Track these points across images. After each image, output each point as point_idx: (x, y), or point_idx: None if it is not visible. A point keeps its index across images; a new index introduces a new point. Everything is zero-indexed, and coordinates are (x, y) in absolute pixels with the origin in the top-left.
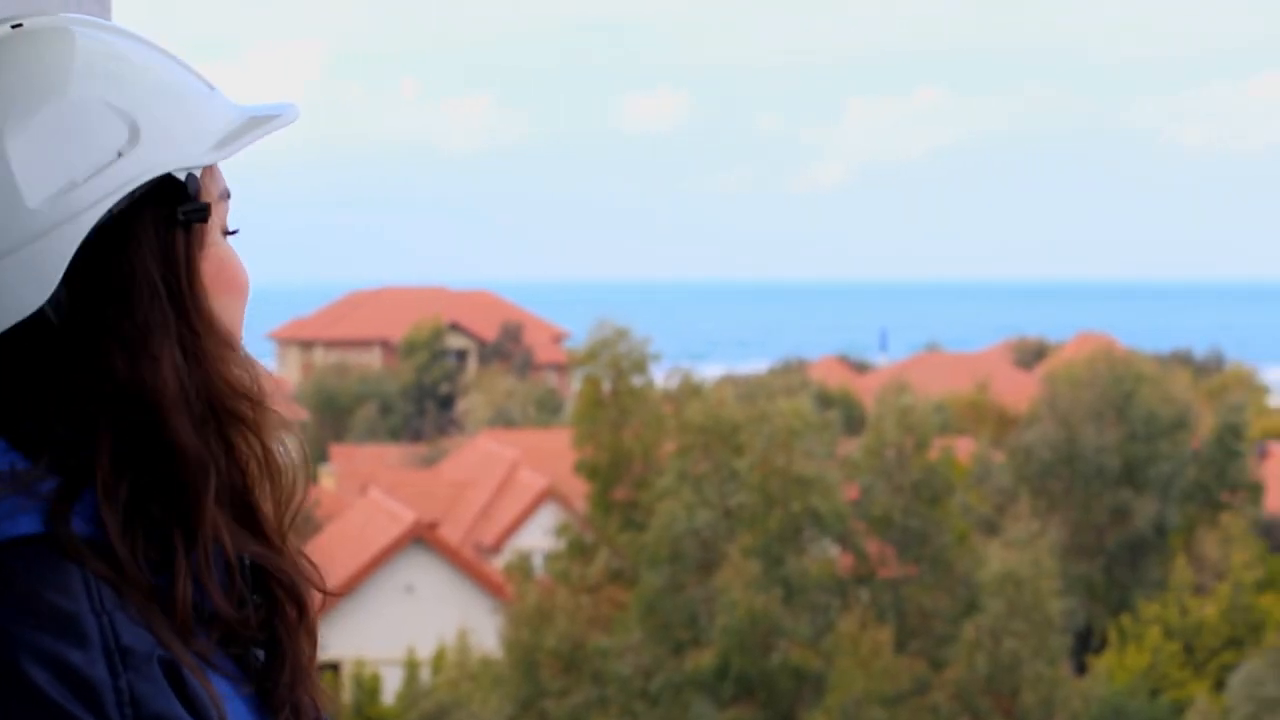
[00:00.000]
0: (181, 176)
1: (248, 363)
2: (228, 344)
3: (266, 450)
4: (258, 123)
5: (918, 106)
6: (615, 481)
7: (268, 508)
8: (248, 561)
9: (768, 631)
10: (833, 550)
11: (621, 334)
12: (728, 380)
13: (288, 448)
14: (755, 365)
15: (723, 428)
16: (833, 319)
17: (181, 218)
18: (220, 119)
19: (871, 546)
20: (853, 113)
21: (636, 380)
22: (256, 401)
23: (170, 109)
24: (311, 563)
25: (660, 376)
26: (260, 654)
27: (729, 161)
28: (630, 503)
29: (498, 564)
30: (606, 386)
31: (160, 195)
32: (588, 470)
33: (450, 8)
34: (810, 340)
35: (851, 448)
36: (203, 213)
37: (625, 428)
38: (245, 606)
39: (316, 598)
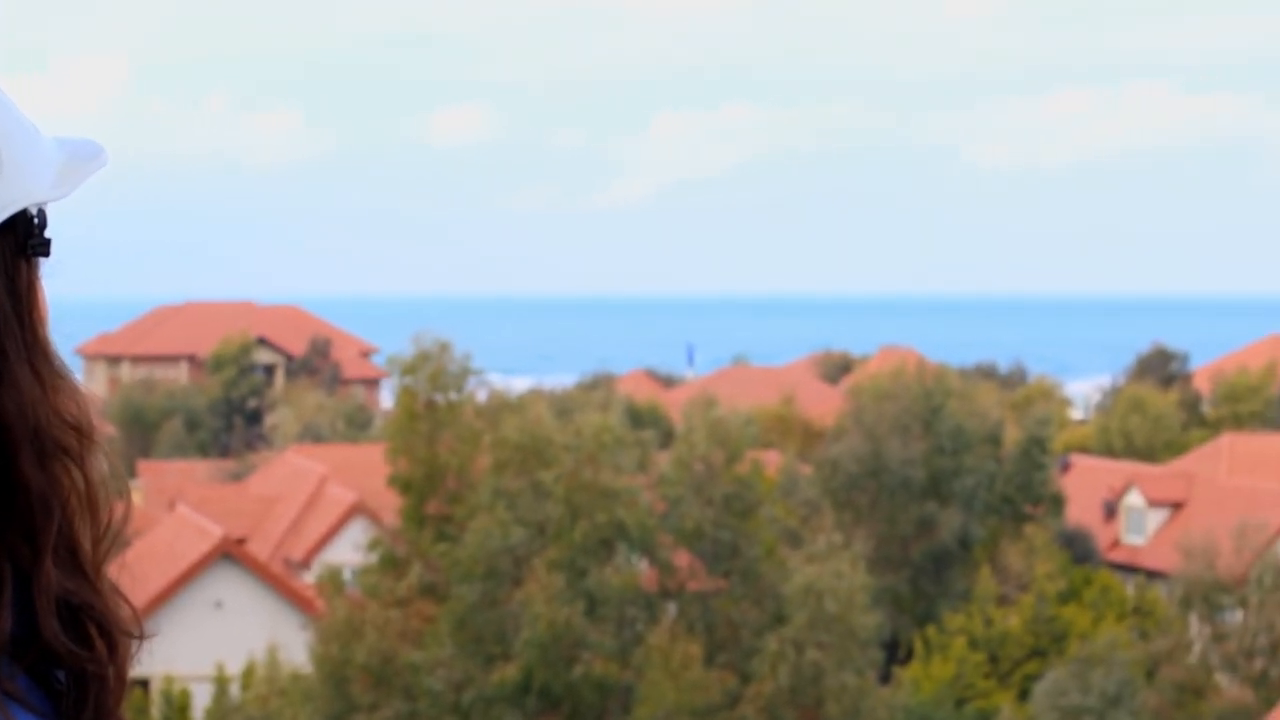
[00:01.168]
0: (33, 210)
1: (76, 392)
2: (61, 373)
3: (89, 484)
4: (82, 161)
5: (723, 122)
6: (429, 495)
7: (86, 543)
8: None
9: (571, 644)
10: (641, 564)
11: (443, 347)
12: (537, 394)
13: (105, 478)
14: (562, 379)
15: (536, 442)
16: (640, 333)
17: (29, 250)
18: (52, 156)
19: (681, 560)
20: (658, 128)
21: (453, 394)
22: (85, 433)
23: (23, 144)
24: (129, 604)
25: (472, 390)
26: (67, 688)
27: (535, 176)
28: (444, 516)
29: (307, 579)
30: (423, 400)
31: (8, 227)
32: (401, 484)
33: (257, 22)
34: (618, 354)
35: (661, 461)
36: (47, 247)
37: (440, 442)
38: (60, 642)
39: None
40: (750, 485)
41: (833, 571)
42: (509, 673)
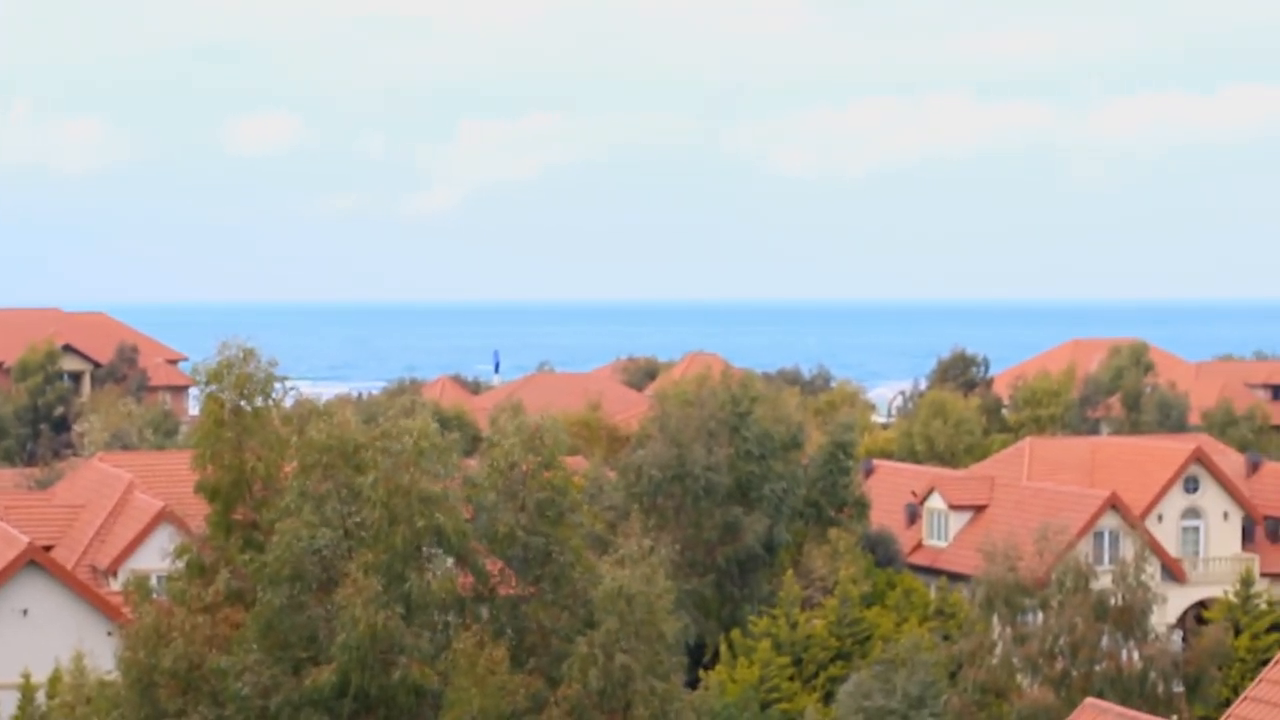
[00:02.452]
0: None
1: None
2: None
3: None
4: None
5: (528, 130)
6: (236, 502)
7: None
8: None
9: (388, 648)
10: (454, 569)
11: (249, 354)
12: (344, 400)
13: None
14: (369, 386)
15: (345, 447)
16: (446, 340)
17: None
18: None
19: (492, 565)
20: (464, 136)
21: (259, 401)
22: None
23: None
24: None
25: (279, 397)
26: None
27: (342, 184)
28: (250, 523)
29: (114, 586)
30: (229, 407)
31: None
32: (207, 491)
33: (62, 31)
34: (424, 361)
35: (468, 467)
36: None
37: (246, 448)
38: None
39: None
40: (561, 491)
41: (640, 576)
42: (322, 677)
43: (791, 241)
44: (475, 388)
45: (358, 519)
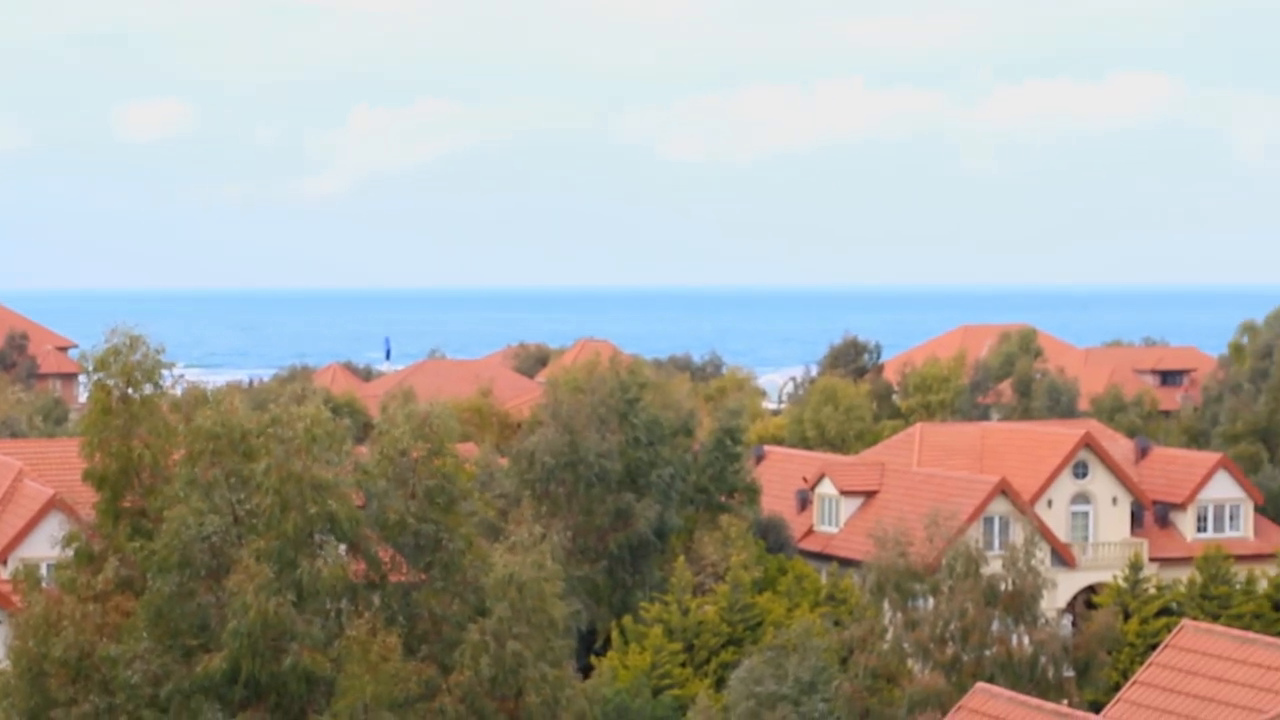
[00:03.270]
0: None
1: None
2: None
3: None
4: None
5: (418, 118)
6: (124, 489)
7: None
8: None
9: (279, 635)
10: (346, 556)
11: (136, 342)
12: (234, 387)
13: None
14: (260, 373)
15: (234, 434)
16: (337, 327)
17: None
18: None
19: (384, 552)
20: (355, 123)
21: (147, 388)
22: None
23: None
24: None
25: (168, 385)
26: None
27: (234, 171)
28: (139, 510)
29: (3, 575)
30: (117, 394)
31: None
32: (96, 479)
33: None
34: (315, 348)
35: (361, 454)
36: None
37: (134, 436)
38: None
39: None
40: (451, 478)
41: (532, 563)
42: (213, 664)
43: (682, 228)
44: (366, 375)
45: (247, 506)
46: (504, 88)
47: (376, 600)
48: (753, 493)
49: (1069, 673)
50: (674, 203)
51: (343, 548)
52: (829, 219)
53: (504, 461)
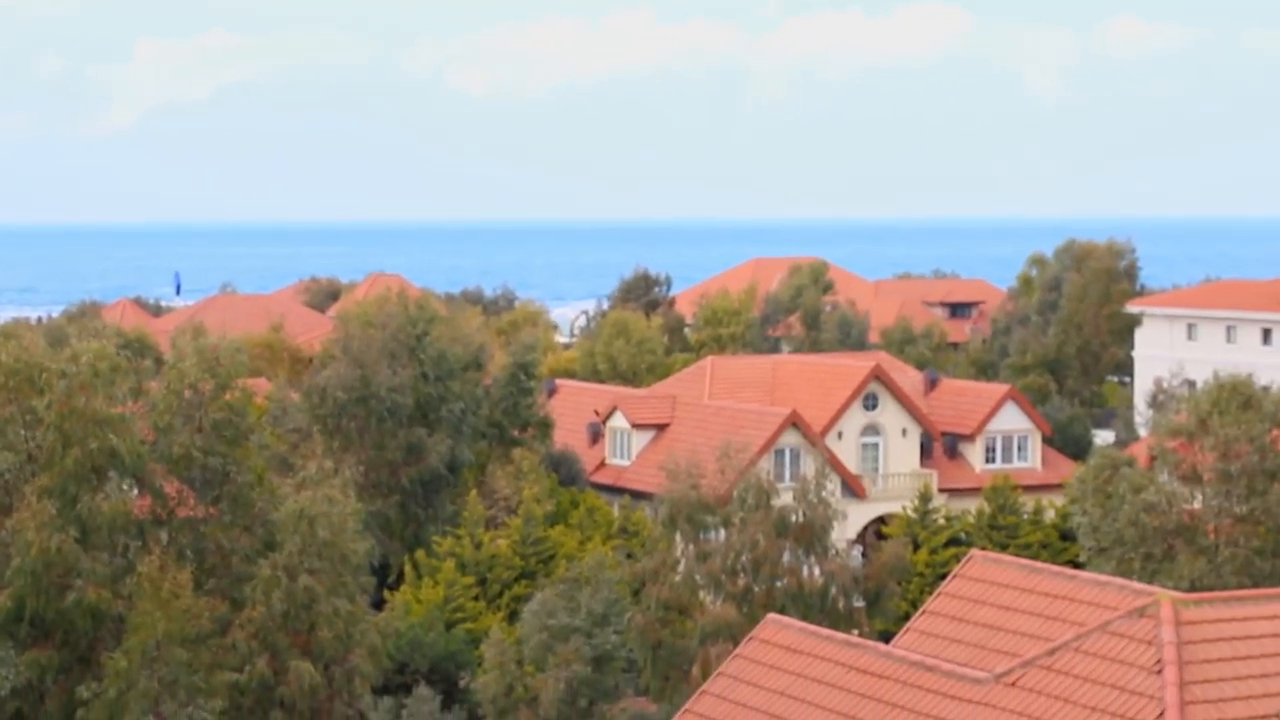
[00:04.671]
0: None
1: None
2: None
3: None
4: None
5: (204, 49)
6: None
7: None
8: None
9: (64, 572)
10: (133, 492)
11: None
12: (24, 324)
13: None
14: (49, 309)
15: (28, 369)
16: (127, 261)
17: None
18: None
19: (170, 487)
20: (141, 55)
21: None
22: None
23: None
24: None
25: None
26: None
27: (16, 104)
28: None
29: None
30: None
31: None
32: None
33: None
34: (104, 284)
35: (152, 390)
36: None
37: None
38: None
39: None
40: (240, 412)
41: (324, 498)
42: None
43: (473, 161)
44: (156, 310)
45: (38, 443)
46: (291, 19)
47: (165, 536)
48: (545, 426)
49: (859, 603)
50: (464, 136)
51: (130, 484)
52: (620, 153)
53: (295, 396)
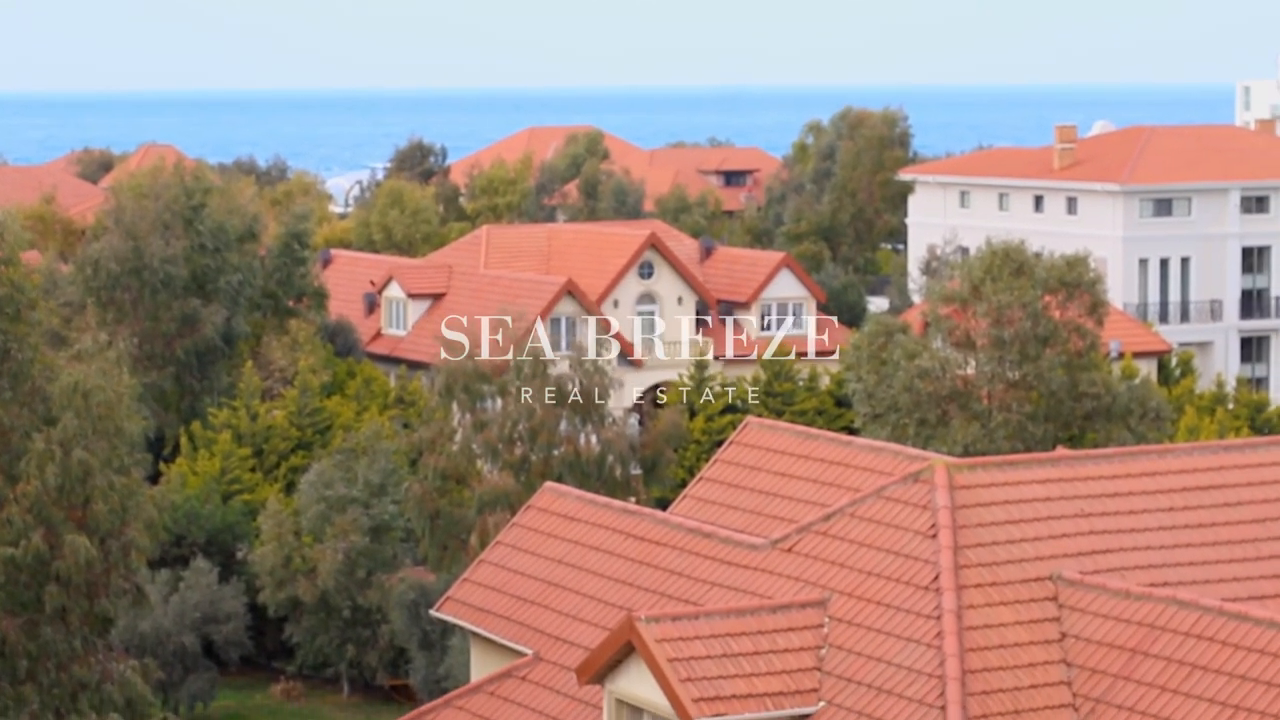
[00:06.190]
0: None
1: None
2: None
3: None
4: None
5: None
6: None
7: None
8: None
9: None
10: None
11: None
12: None
13: None
14: None
15: None
16: None
17: None
18: None
19: None
20: None
21: None
22: None
23: None
24: None
25: None
26: None
27: None
28: None
29: None
30: None
31: None
32: None
33: None
34: None
35: None
36: None
37: None
38: None
39: None
40: (20, 287)
41: (98, 370)
42: None
43: (243, 28)
44: None
45: None
46: None
47: None
48: (320, 297)
49: (636, 471)
50: (229, 3)
51: None
52: (386, 16)
53: (67, 269)
